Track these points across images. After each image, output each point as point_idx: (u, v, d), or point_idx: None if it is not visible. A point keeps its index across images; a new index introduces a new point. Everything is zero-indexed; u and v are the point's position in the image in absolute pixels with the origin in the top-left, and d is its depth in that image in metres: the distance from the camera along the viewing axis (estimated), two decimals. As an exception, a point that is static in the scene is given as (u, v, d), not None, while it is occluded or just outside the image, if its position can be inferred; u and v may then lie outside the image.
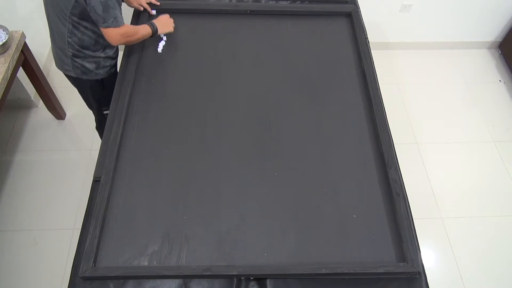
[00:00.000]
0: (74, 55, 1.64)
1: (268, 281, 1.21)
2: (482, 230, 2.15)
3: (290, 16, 1.91)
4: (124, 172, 1.39)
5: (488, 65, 2.94)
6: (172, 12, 1.83)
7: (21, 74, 2.17)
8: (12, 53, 1.84)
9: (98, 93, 1.84)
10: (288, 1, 1.98)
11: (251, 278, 1.22)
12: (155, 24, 1.67)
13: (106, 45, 1.67)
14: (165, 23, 1.72)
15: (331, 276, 1.21)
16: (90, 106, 1.96)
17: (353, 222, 1.31)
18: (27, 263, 1.94)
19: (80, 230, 1.29)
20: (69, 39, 1.58)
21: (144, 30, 1.63)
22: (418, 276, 1.21)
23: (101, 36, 1.59)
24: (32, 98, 2.44)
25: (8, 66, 1.80)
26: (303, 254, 1.24)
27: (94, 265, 1.20)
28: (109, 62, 1.74)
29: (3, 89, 1.79)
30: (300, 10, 1.93)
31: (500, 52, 2.97)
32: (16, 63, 1.89)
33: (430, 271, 1.99)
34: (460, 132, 2.56)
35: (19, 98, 2.42)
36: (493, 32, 2.91)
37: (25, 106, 2.48)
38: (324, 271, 1.19)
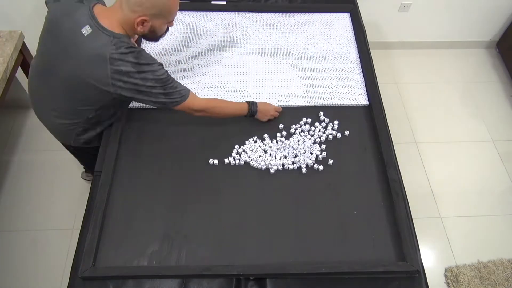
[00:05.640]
0: (85, 130, 1.43)
1: (268, 281, 1.21)
2: (482, 230, 2.16)
3: (288, 14, 1.91)
4: (123, 172, 1.39)
5: (486, 64, 2.94)
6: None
7: (20, 74, 2.16)
8: (11, 53, 1.83)
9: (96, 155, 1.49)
10: (287, 1, 1.99)
11: (251, 278, 1.22)
12: (256, 107, 1.46)
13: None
14: (267, 114, 1.50)
15: (330, 275, 1.21)
16: (89, 167, 1.77)
17: (353, 221, 1.31)
18: (26, 263, 1.94)
19: (79, 230, 1.29)
20: (89, 117, 1.37)
21: (236, 108, 1.45)
22: (417, 275, 1.21)
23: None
24: (31, 98, 2.44)
25: (7, 66, 1.80)
26: (303, 253, 1.24)
27: (94, 265, 1.20)
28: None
29: (2, 89, 1.78)
30: (299, 9, 1.93)
31: (497, 50, 2.98)
32: (14, 63, 1.88)
33: (430, 270, 2.00)
34: (459, 131, 2.56)
35: (18, 98, 2.41)
36: (491, 31, 2.91)
37: (24, 106, 2.47)
38: (324, 270, 1.19)
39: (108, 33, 1.19)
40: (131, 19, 1.21)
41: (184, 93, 1.32)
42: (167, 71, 1.27)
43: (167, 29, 1.35)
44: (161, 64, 1.26)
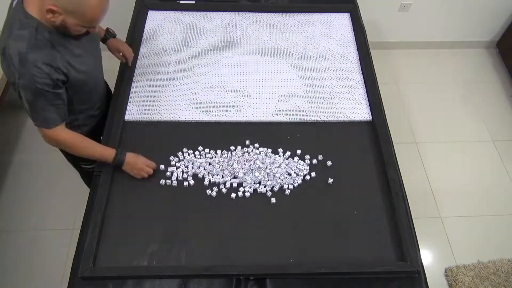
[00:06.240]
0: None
1: (268, 281, 1.21)
2: (481, 229, 2.16)
3: (288, 14, 1.91)
4: (123, 172, 1.39)
5: (486, 64, 2.95)
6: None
7: (20, 74, 2.16)
8: (11, 53, 1.83)
9: None
10: (287, 1, 1.99)
11: (251, 278, 1.22)
12: (123, 157, 1.34)
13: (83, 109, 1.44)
14: (136, 167, 1.36)
15: (330, 275, 1.21)
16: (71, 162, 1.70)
17: (353, 221, 1.31)
18: (26, 263, 1.94)
19: (79, 230, 1.29)
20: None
21: (98, 152, 1.35)
22: (417, 275, 1.21)
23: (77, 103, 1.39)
24: (31, 98, 2.43)
25: (7, 66, 1.79)
26: (303, 253, 1.24)
27: (94, 265, 1.19)
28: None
29: (2, 89, 1.79)
30: (299, 9, 1.93)
31: (497, 50, 2.98)
32: (14, 63, 1.88)
33: (430, 270, 1.99)
34: (459, 131, 2.56)
35: (18, 99, 2.41)
36: (491, 31, 2.91)
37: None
38: (323, 270, 1.19)
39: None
40: (45, 3, 1.10)
41: (51, 122, 1.28)
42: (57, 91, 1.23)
43: (88, 32, 1.22)
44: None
